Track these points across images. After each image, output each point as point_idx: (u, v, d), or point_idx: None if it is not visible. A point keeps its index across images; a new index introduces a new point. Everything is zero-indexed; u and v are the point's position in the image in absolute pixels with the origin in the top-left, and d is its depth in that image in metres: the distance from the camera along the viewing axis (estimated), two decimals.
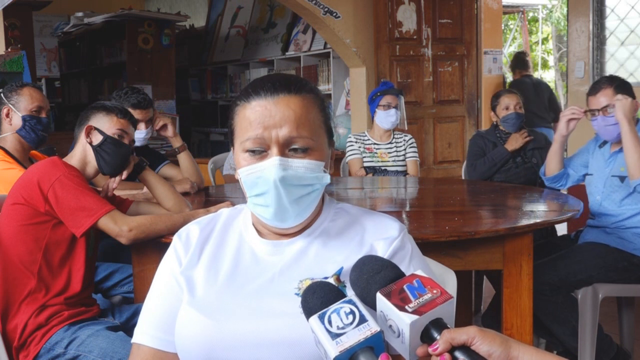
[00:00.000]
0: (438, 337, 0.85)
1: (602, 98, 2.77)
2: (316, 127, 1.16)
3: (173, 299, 1.17)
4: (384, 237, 1.18)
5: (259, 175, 1.12)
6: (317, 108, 1.17)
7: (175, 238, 1.25)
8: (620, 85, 2.81)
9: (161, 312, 1.17)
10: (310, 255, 1.17)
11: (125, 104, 2.91)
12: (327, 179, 1.17)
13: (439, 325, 0.87)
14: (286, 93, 1.14)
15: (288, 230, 1.18)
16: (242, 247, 1.21)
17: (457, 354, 0.85)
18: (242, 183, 1.16)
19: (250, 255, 1.19)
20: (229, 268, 1.18)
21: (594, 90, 2.84)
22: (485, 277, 3.82)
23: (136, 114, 2.93)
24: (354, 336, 0.86)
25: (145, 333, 1.17)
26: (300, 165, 1.12)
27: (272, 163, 1.11)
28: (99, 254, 2.38)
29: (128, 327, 2.15)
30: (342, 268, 1.12)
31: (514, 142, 3.61)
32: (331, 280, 1.09)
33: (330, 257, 1.16)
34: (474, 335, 0.85)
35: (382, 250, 1.16)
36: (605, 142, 2.90)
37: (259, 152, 1.13)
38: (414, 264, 1.17)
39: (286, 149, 1.13)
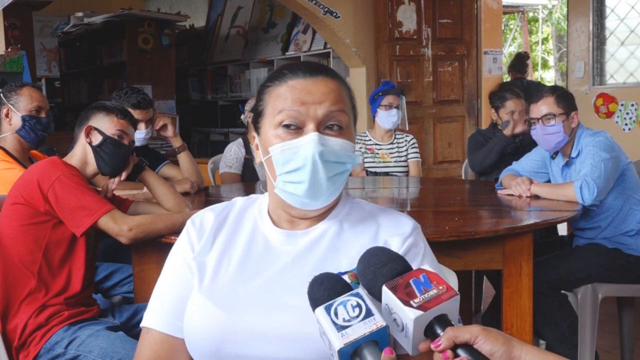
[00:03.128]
0: (441, 333, 0.86)
1: (543, 107, 2.76)
2: (348, 110, 1.18)
3: (184, 284, 1.17)
4: (399, 233, 1.18)
5: (295, 151, 1.13)
6: (348, 94, 1.20)
7: (188, 223, 1.24)
8: (562, 96, 2.79)
9: (172, 297, 1.17)
10: (323, 245, 1.17)
11: (125, 104, 2.91)
12: (358, 159, 1.19)
13: (443, 321, 0.87)
14: (324, 75, 1.17)
15: (312, 212, 1.18)
16: (255, 235, 1.21)
17: (460, 351, 0.85)
18: (273, 161, 1.15)
19: (263, 244, 1.19)
20: (241, 256, 1.18)
21: (535, 98, 2.82)
22: (485, 277, 3.82)
23: (136, 114, 2.93)
24: (360, 329, 0.86)
25: (155, 317, 1.17)
26: (336, 142, 1.14)
27: (311, 138, 1.12)
28: (99, 254, 2.38)
29: (128, 327, 2.15)
30: None
31: (514, 127, 3.52)
32: (346, 278, 1.10)
33: (343, 250, 1.17)
34: (477, 334, 0.85)
35: (396, 247, 1.16)
36: (557, 153, 2.90)
37: (295, 127, 1.14)
38: (426, 262, 1.18)
39: (322, 127, 1.14)
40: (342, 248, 1.17)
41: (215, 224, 1.22)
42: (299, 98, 1.13)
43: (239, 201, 1.29)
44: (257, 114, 1.20)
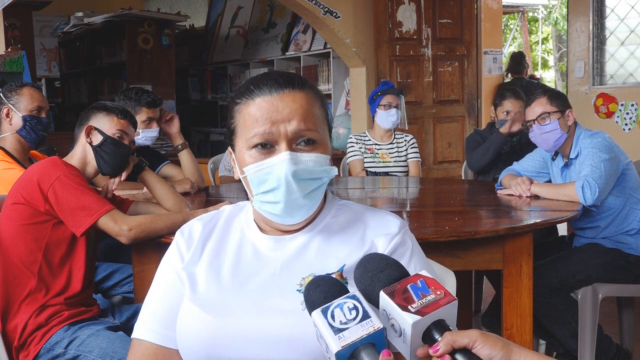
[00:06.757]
0: (439, 339, 0.85)
1: (537, 107, 2.77)
2: (320, 122, 1.16)
3: (175, 294, 1.17)
4: (385, 233, 1.18)
5: (268, 172, 1.12)
6: (319, 103, 1.18)
7: (177, 234, 1.25)
8: (554, 95, 2.81)
9: (163, 308, 1.17)
10: (311, 250, 1.17)
11: (140, 104, 2.99)
12: (334, 171, 1.18)
13: (441, 326, 0.86)
14: (291, 88, 1.14)
15: (293, 226, 1.18)
16: (243, 243, 1.21)
17: (458, 356, 0.85)
18: (248, 181, 1.15)
19: (252, 251, 1.20)
20: (230, 264, 1.18)
21: (528, 101, 2.85)
22: (485, 277, 3.82)
23: (150, 112, 3.02)
24: (357, 332, 0.86)
25: (146, 328, 1.17)
26: (309, 158, 1.13)
27: (283, 158, 1.11)
28: (99, 254, 2.38)
29: (128, 327, 2.15)
30: (344, 265, 1.13)
31: (510, 126, 3.52)
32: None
33: (331, 253, 1.17)
34: (475, 339, 0.85)
35: (383, 247, 1.16)
36: (557, 154, 2.90)
37: (267, 147, 1.13)
38: (415, 260, 1.17)
39: (294, 143, 1.13)
40: (330, 250, 1.17)
41: (203, 234, 1.23)
42: (268, 117, 1.12)
43: (227, 209, 1.29)
44: (230, 132, 1.19)
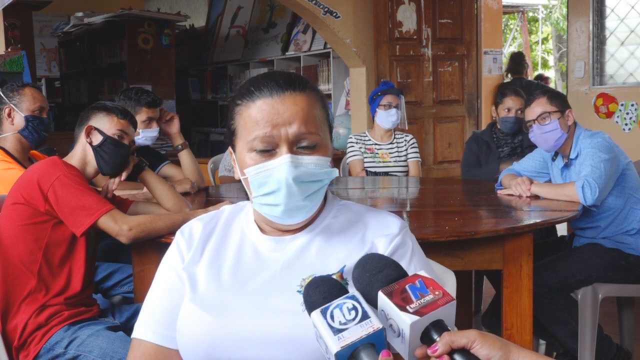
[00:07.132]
0: (438, 339, 0.85)
1: (537, 107, 2.78)
2: (321, 124, 1.16)
3: (175, 294, 1.17)
4: (385, 234, 1.18)
5: (268, 174, 1.12)
6: (320, 105, 1.18)
7: (177, 234, 1.25)
8: (554, 95, 2.82)
9: (163, 308, 1.17)
10: (312, 251, 1.17)
11: (140, 104, 3.00)
12: (335, 173, 1.18)
13: (439, 326, 0.86)
14: (292, 90, 1.13)
15: (293, 226, 1.18)
16: (244, 244, 1.21)
17: (456, 356, 0.85)
18: (249, 182, 1.15)
19: (252, 252, 1.20)
20: (231, 265, 1.18)
21: (528, 101, 2.86)
22: (485, 277, 3.82)
23: (150, 112, 3.03)
24: (356, 332, 0.85)
25: (147, 328, 1.17)
26: (310, 161, 1.13)
27: (283, 161, 1.11)
28: (99, 254, 2.38)
29: (128, 327, 2.15)
30: (344, 266, 1.13)
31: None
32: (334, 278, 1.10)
33: (332, 253, 1.16)
34: (474, 339, 0.85)
35: (383, 247, 1.16)
36: (557, 154, 2.91)
37: (268, 150, 1.13)
38: (415, 261, 1.17)
39: (294, 146, 1.13)
40: (330, 251, 1.17)
41: (203, 234, 1.23)
42: (268, 120, 1.11)
43: (227, 209, 1.29)
44: (230, 133, 1.19)
